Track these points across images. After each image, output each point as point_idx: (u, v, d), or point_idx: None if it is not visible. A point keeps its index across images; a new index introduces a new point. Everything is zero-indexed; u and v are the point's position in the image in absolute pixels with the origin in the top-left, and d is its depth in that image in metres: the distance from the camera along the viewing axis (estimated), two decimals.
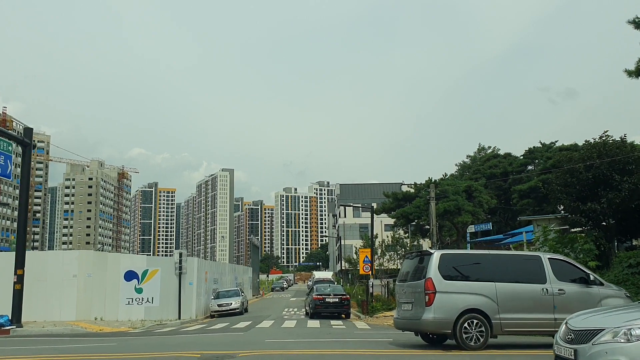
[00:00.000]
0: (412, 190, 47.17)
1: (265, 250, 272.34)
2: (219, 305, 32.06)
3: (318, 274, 47.51)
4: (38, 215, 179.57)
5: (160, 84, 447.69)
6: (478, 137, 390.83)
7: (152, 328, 24.27)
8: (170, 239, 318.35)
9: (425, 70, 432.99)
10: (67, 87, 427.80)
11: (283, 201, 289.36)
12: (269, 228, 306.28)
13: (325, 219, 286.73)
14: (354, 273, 45.54)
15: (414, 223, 49.97)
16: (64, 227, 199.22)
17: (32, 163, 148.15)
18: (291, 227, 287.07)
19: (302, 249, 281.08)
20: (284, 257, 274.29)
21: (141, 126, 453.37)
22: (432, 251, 12.40)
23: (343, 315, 27.62)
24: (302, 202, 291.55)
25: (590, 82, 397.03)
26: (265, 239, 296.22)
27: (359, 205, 46.04)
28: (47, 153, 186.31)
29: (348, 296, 27.72)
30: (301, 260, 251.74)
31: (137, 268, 29.00)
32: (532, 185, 50.99)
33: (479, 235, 46.74)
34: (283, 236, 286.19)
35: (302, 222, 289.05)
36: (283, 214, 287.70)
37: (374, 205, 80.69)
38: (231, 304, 32.22)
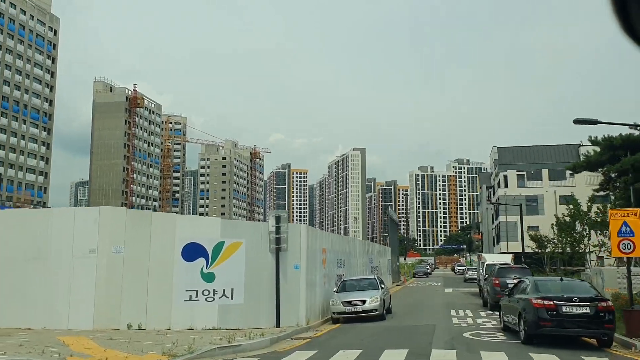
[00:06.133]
0: (637, 133, 30.82)
1: (400, 232, 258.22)
2: (345, 304, 19.27)
3: (490, 257, 33.06)
4: (177, 195, 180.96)
5: (299, 71, 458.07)
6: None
7: (209, 355, 11.96)
8: (304, 220, 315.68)
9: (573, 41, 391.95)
10: (213, 79, 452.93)
11: (418, 181, 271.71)
12: (403, 209, 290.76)
13: (465, 199, 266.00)
14: (543, 257, 30.64)
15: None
16: (200, 207, 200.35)
17: (170, 145, 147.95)
18: (427, 208, 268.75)
19: (440, 231, 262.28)
20: (420, 239, 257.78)
21: (281, 113, 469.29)
22: None
23: (594, 341, 13.50)
24: (439, 181, 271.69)
25: None
26: (399, 221, 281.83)
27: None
28: (184, 134, 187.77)
29: (611, 304, 13.28)
30: (439, 242, 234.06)
31: (205, 239, 16.88)
32: None
33: None
34: (419, 218, 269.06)
35: (440, 203, 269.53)
36: (418, 194, 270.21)
37: (546, 170, 63.82)
38: (364, 301, 19.33)
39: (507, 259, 31.48)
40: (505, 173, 63.27)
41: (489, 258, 32.21)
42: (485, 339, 14.41)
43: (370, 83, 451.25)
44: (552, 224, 31.12)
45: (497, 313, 20.84)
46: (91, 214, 16.48)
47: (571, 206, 28.44)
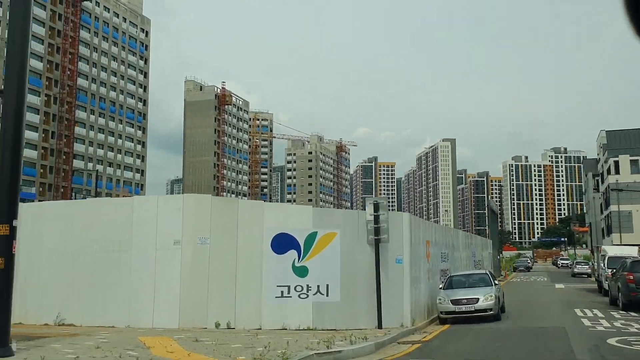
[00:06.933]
0: None
1: None
2: (455, 303, 16.96)
3: (612, 250, 29.49)
4: (265, 190, 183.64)
5: (385, 65, 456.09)
6: None
7: None
8: None
9: None
10: (299, 76, 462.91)
11: (512, 171, 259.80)
12: (497, 201, 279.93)
13: (562, 190, 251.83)
14: None
15: None
16: (288, 201, 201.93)
17: (258, 141, 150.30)
18: (522, 200, 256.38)
19: (537, 223, 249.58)
20: (515, 232, 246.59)
21: (367, 106, 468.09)
22: None
23: None
24: (534, 171, 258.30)
25: None
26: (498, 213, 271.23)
27: None
28: (271, 130, 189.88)
29: None
30: (536, 235, 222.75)
31: (296, 229, 15.18)
32: None
33: None
34: (513, 210, 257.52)
35: (536, 194, 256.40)
36: (512, 186, 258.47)
37: None
38: (477, 300, 16.96)
39: (633, 252, 27.80)
40: (616, 158, 57.59)
41: (611, 250, 28.62)
42: None
43: (457, 73, 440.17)
44: None
45: (635, 315, 18.00)
46: (174, 202, 15.23)
47: None
